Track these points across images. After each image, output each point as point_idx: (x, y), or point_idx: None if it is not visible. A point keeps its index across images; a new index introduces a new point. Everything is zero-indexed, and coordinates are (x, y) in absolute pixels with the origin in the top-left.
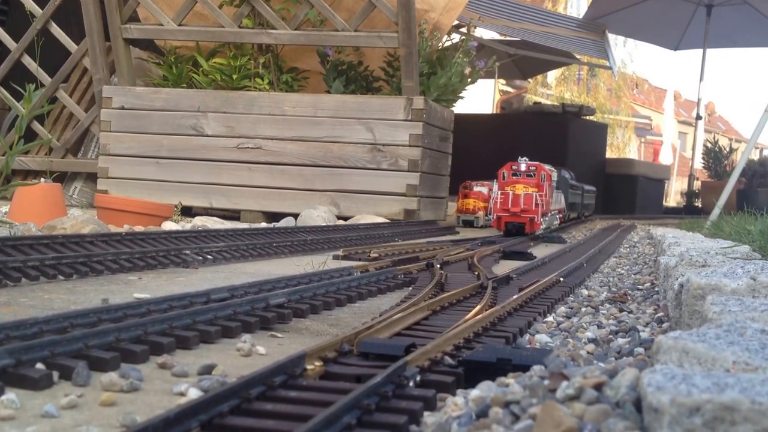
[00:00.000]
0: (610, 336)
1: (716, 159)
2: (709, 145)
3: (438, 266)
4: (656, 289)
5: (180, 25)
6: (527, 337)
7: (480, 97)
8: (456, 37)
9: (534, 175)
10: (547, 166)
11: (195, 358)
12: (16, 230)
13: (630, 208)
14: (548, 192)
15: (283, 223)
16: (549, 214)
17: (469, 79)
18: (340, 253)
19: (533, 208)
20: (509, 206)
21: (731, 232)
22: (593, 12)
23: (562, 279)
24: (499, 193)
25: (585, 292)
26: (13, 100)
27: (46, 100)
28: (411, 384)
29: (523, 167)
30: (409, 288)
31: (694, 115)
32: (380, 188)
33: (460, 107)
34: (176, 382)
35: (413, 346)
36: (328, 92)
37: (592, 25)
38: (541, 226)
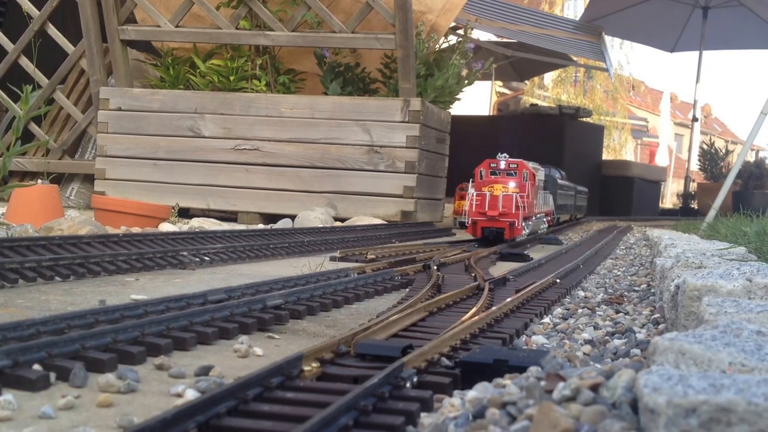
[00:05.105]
0: (607, 337)
1: (712, 161)
2: (705, 147)
3: (435, 268)
4: (652, 290)
5: (177, 26)
6: (524, 338)
7: (477, 99)
8: (453, 39)
9: (515, 173)
10: (530, 164)
11: (192, 360)
12: (13, 231)
13: (626, 210)
14: (531, 193)
15: (281, 224)
16: (533, 218)
17: (466, 81)
18: (337, 254)
19: (513, 211)
20: (486, 209)
21: (727, 233)
22: (590, 14)
23: (558, 280)
24: (475, 194)
25: (581, 293)
26: (11, 102)
27: (43, 101)
28: (408, 385)
29: (502, 164)
30: (406, 289)
31: (690, 117)
32: (377, 190)
33: (457, 109)
34: (173, 384)
35: (410, 347)
36: (325, 94)
37: (588, 27)
38: (524, 232)
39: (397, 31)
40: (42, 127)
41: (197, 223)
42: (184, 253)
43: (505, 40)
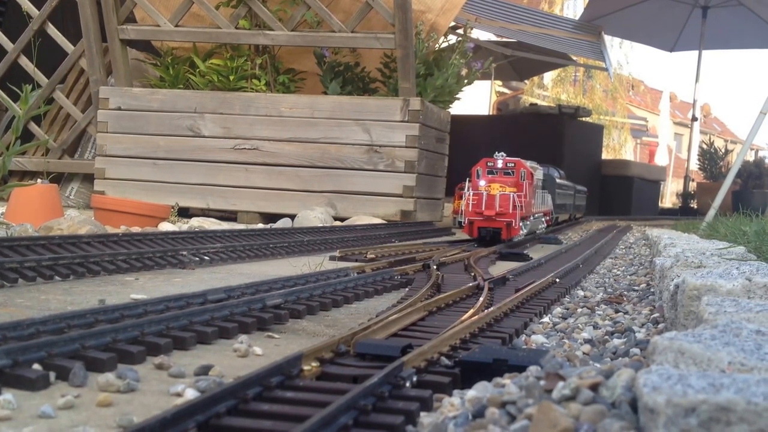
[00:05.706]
0: (606, 337)
1: (712, 160)
2: (704, 146)
3: (434, 267)
4: (652, 290)
5: (177, 26)
6: (523, 337)
7: (476, 99)
8: (453, 39)
9: (512, 172)
10: (528, 163)
11: (192, 359)
12: (12, 231)
13: (626, 210)
14: (529, 192)
15: (280, 224)
16: (531, 218)
17: (465, 81)
18: (336, 254)
19: (510, 210)
20: (483, 209)
21: (727, 233)
22: (589, 13)
23: (558, 280)
24: (472, 193)
25: (581, 293)
26: (10, 101)
27: (43, 101)
28: (408, 384)
29: (499, 164)
30: (405, 289)
31: (689, 116)
32: (377, 189)
33: (457, 108)
34: (173, 383)
35: (410, 346)
36: (325, 93)
37: (588, 26)
38: (521, 232)
39: (396, 31)
40: (42, 127)
41: (197, 223)
42: (184, 253)
43: (504, 39)
